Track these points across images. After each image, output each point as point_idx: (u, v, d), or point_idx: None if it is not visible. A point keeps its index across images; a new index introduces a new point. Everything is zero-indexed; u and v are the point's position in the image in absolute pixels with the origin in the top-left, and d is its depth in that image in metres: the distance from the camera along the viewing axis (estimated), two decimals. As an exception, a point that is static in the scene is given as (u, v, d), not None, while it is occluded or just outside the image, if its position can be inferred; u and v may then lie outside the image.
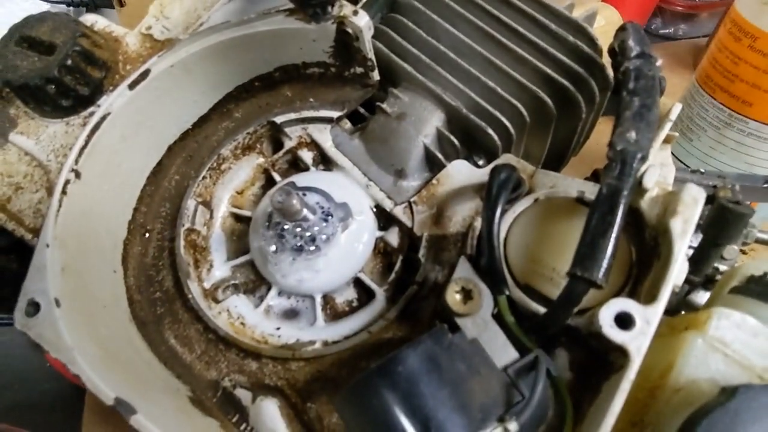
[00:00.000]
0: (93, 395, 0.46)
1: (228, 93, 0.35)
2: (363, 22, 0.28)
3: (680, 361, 0.21)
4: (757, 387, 0.18)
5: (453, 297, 0.24)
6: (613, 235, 0.22)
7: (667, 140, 0.31)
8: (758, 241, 0.31)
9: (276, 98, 0.35)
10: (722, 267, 0.30)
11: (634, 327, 0.21)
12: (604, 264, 0.21)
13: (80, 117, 0.29)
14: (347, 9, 0.29)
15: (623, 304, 0.21)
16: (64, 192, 0.28)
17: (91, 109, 0.29)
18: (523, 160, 0.30)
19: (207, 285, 0.33)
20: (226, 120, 0.36)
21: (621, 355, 0.21)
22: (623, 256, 0.25)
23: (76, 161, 0.28)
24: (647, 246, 0.24)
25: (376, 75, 0.33)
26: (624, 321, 0.21)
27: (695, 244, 0.28)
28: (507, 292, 0.25)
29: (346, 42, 0.30)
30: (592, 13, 0.34)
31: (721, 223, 0.27)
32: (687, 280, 0.28)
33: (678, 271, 0.21)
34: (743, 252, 0.30)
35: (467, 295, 0.25)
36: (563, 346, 0.26)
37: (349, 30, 0.29)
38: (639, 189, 0.24)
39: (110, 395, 0.23)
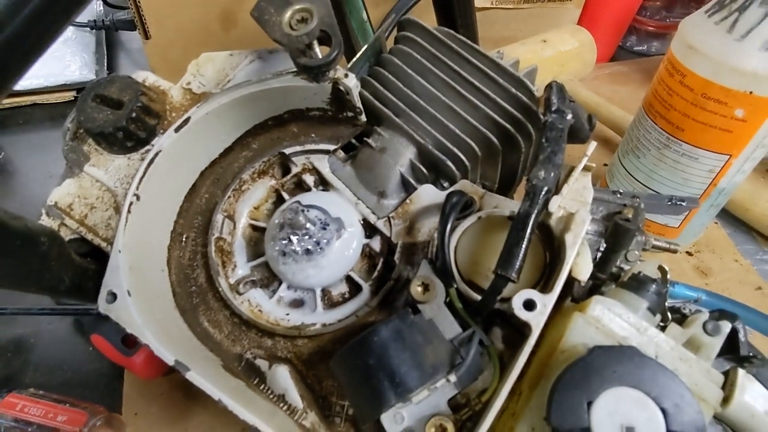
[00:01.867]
0: (130, 374, 0.56)
1: (247, 130, 0.44)
2: (352, 83, 0.38)
3: (567, 333, 0.30)
4: (604, 346, 0.27)
5: (416, 289, 0.34)
6: (523, 246, 0.31)
7: (587, 168, 0.40)
8: (655, 247, 0.41)
9: (285, 133, 0.45)
10: (626, 267, 0.39)
11: (536, 309, 0.30)
12: (517, 265, 0.31)
13: (139, 153, 0.39)
14: (340, 72, 0.38)
15: (529, 293, 0.31)
16: (129, 211, 0.37)
17: (147, 147, 0.39)
18: (476, 185, 0.40)
19: (232, 281, 0.42)
20: (245, 150, 0.45)
21: (528, 329, 0.30)
22: (539, 260, 0.34)
23: (137, 187, 0.37)
24: (555, 252, 0.34)
25: (363, 118, 0.42)
26: (529, 305, 0.31)
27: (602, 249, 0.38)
28: (455, 286, 0.34)
29: (339, 95, 0.40)
30: (532, 69, 0.44)
31: (615, 235, 0.36)
32: (594, 277, 0.37)
33: (567, 270, 0.31)
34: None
35: (426, 287, 0.34)
36: (498, 325, 0.35)
37: (342, 88, 0.38)
38: (547, 212, 0.33)
39: (171, 358, 0.32)
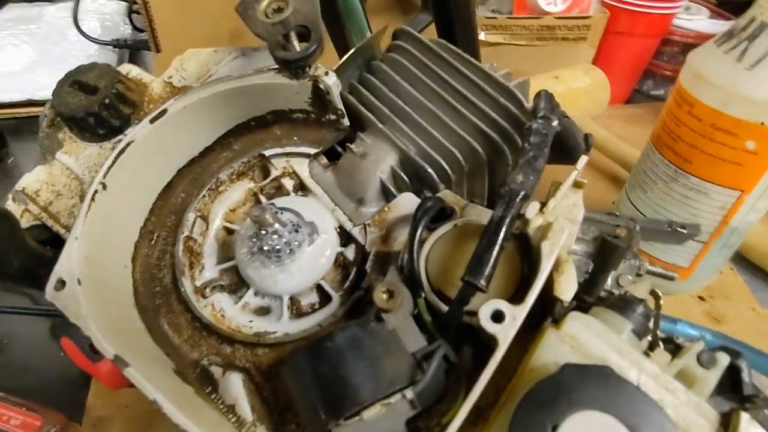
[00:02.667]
0: (97, 384, 0.53)
1: (229, 129, 0.43)
2: (332, 81, 0.37)
3: (537, 350, 0.27)
4: (576, 364, 0.24)
5: (380, 296, 0.31)
6: (495, 252, 0.28)
7: (577, 185, 0.38)
8: (650, 273, 0.37)
9: (268, 135, 0.44)
10: (617, 292, 0.36)
11: (504, 321, 0.27)
12: (486, 272, 0.28)
13: (111, 143, 0.38)
14: (321, 70, 0.37)
15: (497, 303, 0.28)
16: (93, 199, 0.36)
17: (120, 137, 0.38)
18: (458, 196, 0.38)
19: (198, 283, 0.40)
20: (226, 151, 0.44)
21: (495, 342, 0.27)
22: (515, 272, 0.31)
23: (104, 176, 0.36)
24: (533, 264, 0.31)
25: (346, 121, 0.41)
26: (497, 316, 0.28)
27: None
28: (423, 295, 0.32)
29: (320, 95, 0.38)
30: (524, 81, 0.42)
31: (603, 253, 0.33)
32: (580, 300, 0.34)
33: (542, 281, 0.28)
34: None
35: (391, 295, 0.31)
36: (470, 343, 0.32)
37: (321, 86, 0.37)
38: (525, 218, 0.31)
39: (111, 352, 0.30)
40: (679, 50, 1.10)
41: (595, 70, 0.97)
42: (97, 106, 0.36)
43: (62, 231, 0.36)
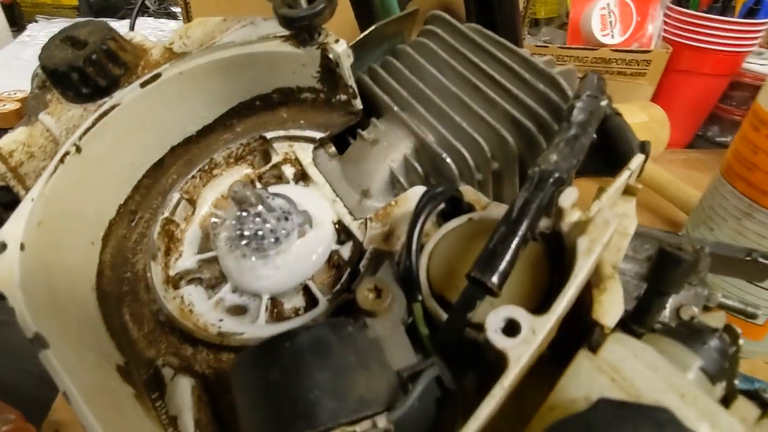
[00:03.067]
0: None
1: (231, 108, 0.39)
2: (341, 49, 0.32)
3: (564, 380, 0.19)
4: (614, 400, 0.16)
5: (364, 293, 0.25)
6: (514, 243, 0.21)
7: (630, 192, 0.31)
8: (721, 305, 0.29)
9: (273, 118, 0.39)
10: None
11: (519, 335, 0.20)
12: (500, 269, 0.21)
13: (95, 105, 0.34)
14: (330, 38, 0.32)
15: (512, 310, 0.21)
16: (62, 160, 0.32)
17: (106, 99, 0.34)
18: (479, 192, 0.31)
19: (172, 272, 0.35)
20: (227, 133, 0.40)
21: (503, 361, 0.20)
22: (540, 279, 0.24)
23: (80, 138, 0.32)
24: (566, 271, 0.24)
25: (358, 103, 0.35)
26: (511, 327, 0.20)
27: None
28: (420, 299, 0.25)
29: (330, 68, 0.34)
30: (570, 69, 0.36)
31: (661, 268, 0.25)
32: (627, 329, 0.26)
33: (576, 287, 0.21)
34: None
35: (379, 294, 0.25)
36: (475, 368, 0.25)
37: (331, 56, 0.33)
38: (558, 209, 0.24)
39: (32, 328, 0.25)
40: (749, 95, 1.00)
41: (653, 107, 0.90)
42: (81, 61, 0.32)
43: (23, 193, 0.32)
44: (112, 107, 0.34)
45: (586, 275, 0.21)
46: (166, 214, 0.36)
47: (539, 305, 0.24)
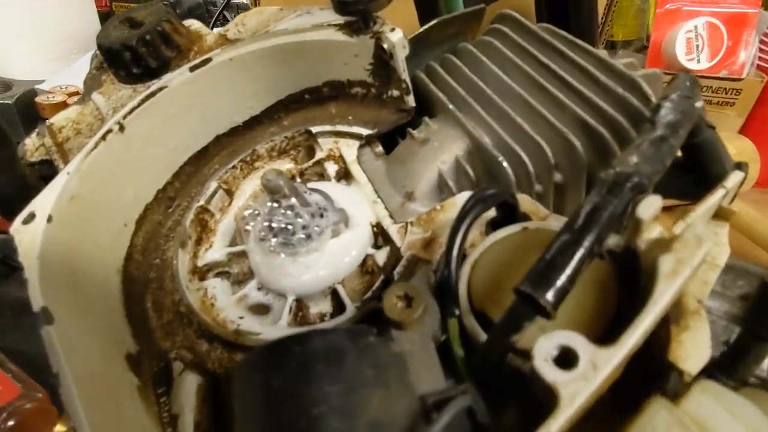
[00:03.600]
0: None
1: (280, 101, 0.37)
2: (396, 38, 0.29)
3: (633, 430, 0.15)
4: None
5: (392, 300, 0.21)
6: (577, 256, 0.18)
7: (723, 216, 0.26)
8: (842, 366, 0.23)
9: (321, 113, 0.37)
10: (779, 385, 0.22)
11: (575, 368, 0.16)
12: (557, 285, 0.17)
13: (145, 86, 0.34)
14: (386, 27, 0.30)
15: (569, 337, 0.17)
16: (103, 137, 0.31)
17: (155, 81, 0.34)
18: (537, 203, 0.27)
19: (200, 263, 0.33)
20: (274, 126, 0.38)
21: (552, 400, 0.16)
22: (606, 304, 0.20)
23: (125, 117, 0.32)
24: (639, 297, 0.19)
25: (411, 100, 0.33)
26: (564, 358, 0.16)
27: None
28: (457, 314, 0.21)
29: (383, 60, 0.31)
30: (655, 73, 0.31)
31: (763, 308, 0.20)
32: (713, 378, 0.21)
33: (655, 315, 0.16)
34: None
35: (409, 303, 0.21)
36: (516, 402, 0.21)
37: (385, 45, 0.30)
38: (636, 223, 0.19)
39: (40, 302, 0.24)
40: None
41: (742, 139, 0.81)
42: (135, 40, 0.32)
43: (62, 167, 0.32)
44: (160, 89, 0.33)
45: (667, 303, 0.17)
46: (202, 202, 0.34)
47: (602, 334, 0.19)
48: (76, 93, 0.84)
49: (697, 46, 0.85)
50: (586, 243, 0.18)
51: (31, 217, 0.27)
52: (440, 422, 0.17)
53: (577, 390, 0.15)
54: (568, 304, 0.19)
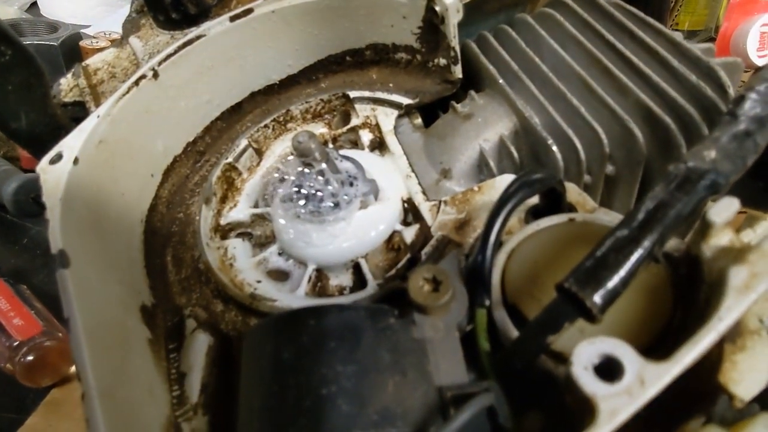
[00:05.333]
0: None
1: (320, 61, 0.36)
2: (450, 1, 0.27)
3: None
4: None
5: (417, 282, 0.20)
6: (635, 256, 0.16)
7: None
8: None
9: (362, 78, 0.35)
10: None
11: (620, 381, 0.14)
12: (608, 286, 0.15)
13: (183, 33, 0.32)
14: (440, -12, 0.28)
15: (615, 346, 0.15)
16: (136, 83, 0.30)
17: (193, 29, 0.32)
18: (585, 194, 0.25)
19: (223, 221, 0.32)
20: (311, 87, 0.37)
21: (589, 414, 0.14)
22: (659, 311, 0.18)
23: (159, 63, 0.31)
24: (698, 309, 0.17)
25: (458, 71, 0.31)
26: (607, 369, 0.15)
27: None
28: (487, 304, 0.20)
29: (433, 24, 0.29)
30: (736, 62, 0.28)
31: (841, 337, 0.18)
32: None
33: (718, 333, 0.14)
34: None
35: (437, 287, 0.20)
36: (543, 407, 0.19)
37: (437, 8, 0.28)
38: (705, 227, 0.17)
39: (59, 244, 0.23)
40: None
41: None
42: (176, -17, 0.30)
43: (94, 109, 0.31)
44: (198, 37, 0.32)
45: (735, 320, 0.15)
46: (230, 159, 0.33)
47: (651, 347, 0.17)
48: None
49: (772, 41, 0.79)
50: (647, 243, 0.16)
51: (59, 157, 0.27)
52: (458, 420, 0.16)
53: (618, 406, 0.14)
54: (616, 309, 0.17)
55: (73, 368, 0.43)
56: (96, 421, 0.18)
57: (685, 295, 0.18)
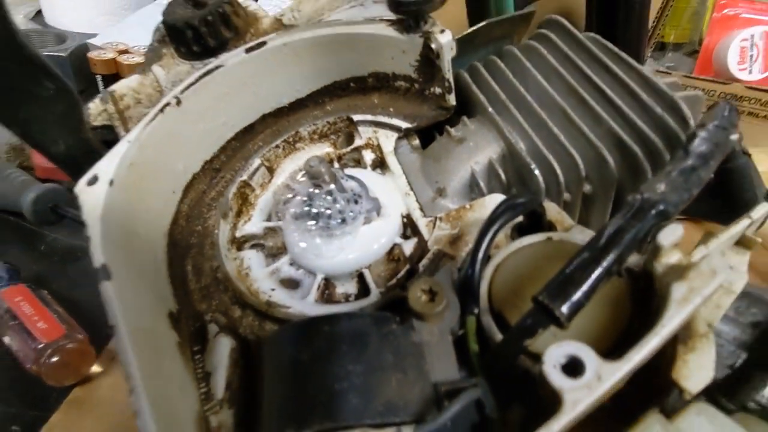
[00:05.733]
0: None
1: (326, 86, 0.39)
2: (445, 40, 0.30)
3: (625, 441, 0.17)
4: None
5: (416, 293, 0.23)
6: (596, 274, 0.19)
7: (745, 244, 0.26)
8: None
9: (364, 102, 0.38)
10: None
11: (581, 377, 0.18)
12: (573, 299, 0.19)
13: (203, 63, 0.36)
14: (436, 27, 0.31)
15: (578, 348, 0.18)
16: (162, 110, 0.33)
17: (212, 59, 0.35)
18: (563, 212, 0.28)
19: (238, 234, 0.35)
20: (318, 110, 0.40)
21: (557, 403, 0.18)
22: (618, 320, 0.21)
23: (182, 91, 0.34)
24: (651, 318, 0.21)
25: (452, 99, 0.34)
26: (572, 367, 0.18)
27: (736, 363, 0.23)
28: (476, 312, 0.23)
29: (429, 58, 0.32)
30: (697, 95, 0.31)
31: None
32: (714, 400, 0.22)
33: (662, 337, 0.18)
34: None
35: (432, 297, 0.23)
36: (523, 402, 0.22)
37: (433, 46, 0.31)
38: (656, 248, 0.21)
39: (101, 259, 0.26)
40: None
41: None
42: (197, 20, 0.34)
43: (124, 135, 0.34)
44: (216, 67, 0.35)
45: (675, 327, 0.18)
46: (244, 176, 0.36)
47: (611, 349, 0.21)
48: (126, 51, 0.87)
49: (752, 56, 0.82)
50: (605, 263, 0.19)
51: (95, 179, 0.30)
52: (451, 410, 0.19)
53: (580, 397, 0.17)
54: (582, 317, 0.20)
55: (93, 368, 0.46)
56: (144, 413, 0.21)
57: (642, 305, 0.21)
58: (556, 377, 0.18)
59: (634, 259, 0.23)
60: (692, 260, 0.20)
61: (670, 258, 0.20)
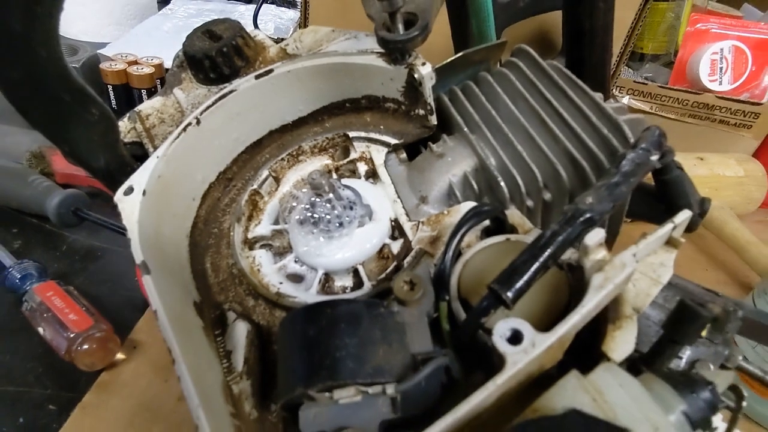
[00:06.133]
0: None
1: (324, 106, 0.44)
2: (426, 71, 0.36)
3: (550, 391, 0.22)
4: (587, 414, 0.19)
5: (400, 284, 0.29)
6: (533, 267, 0.25)
7: (673, 244, 0.32)
8: (740, 369, 0.29)
9: (358, 120, 0.44)
10: (688, 378, 0.29)
11: (520, 344, 0.23)
12: (516, 286, 0.24)
13: (218, 88, 0.41)
14: (418, 60, 0.37)
15: (519, 323, 0.24)
16: (184, 129, 0.39)
17: (226, 85, 0.41)
18: (525, 218, 0.34)
19: (250, 235, 0.41)
20: (317, 126, 0.45)
21: (501, 364, 0.23)
22: (557, 304, 0.27)
23: (201, 113, 0.39)
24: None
25: (433, 119, 0.39)
26: (514, 337, 0.24)
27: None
28: (447, 298, 0.29)
29: (413, 85, 0.38)
30: (639, 119, 0.37)
31: (678, 319, 0.27)
32: (636, 369, 0.28)
33: (580, 315, 0.23)
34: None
35: (412, 287, 0.29)
36: (483, 371, 0.28)
37: (416, 75, 0.37)
38: (584, 246, 0.26)
39: (141, 257, 0.32)
40: None
41: (752, 162, 0.85)
42: (214, 52, 0.39)
43: (152, 151, 0.40)
44: (230, 91, 0.40)
45: (592, 308, 0.24)
46: (255, 186, 0.42)
47: (550, 326, 0.27)
48: (135, 62, 0.92)
49: (721, 68, 0.88)
50: (542, 259, 0.25)
51: (131, 190, 0.35)
52: (424, 371, 0.25)
53: (518, 359, 0.23)
54: (527, 300, 0.26)
55: (118, 355, 0.52)
56: (186, 379, 0.27)
57: (577, 291, 0.27)
58: (501, 345, 0.23)
59: (574, 256, 0.29)
60: (608, 258, 0.26)
61: (597, 255, 0.26)
